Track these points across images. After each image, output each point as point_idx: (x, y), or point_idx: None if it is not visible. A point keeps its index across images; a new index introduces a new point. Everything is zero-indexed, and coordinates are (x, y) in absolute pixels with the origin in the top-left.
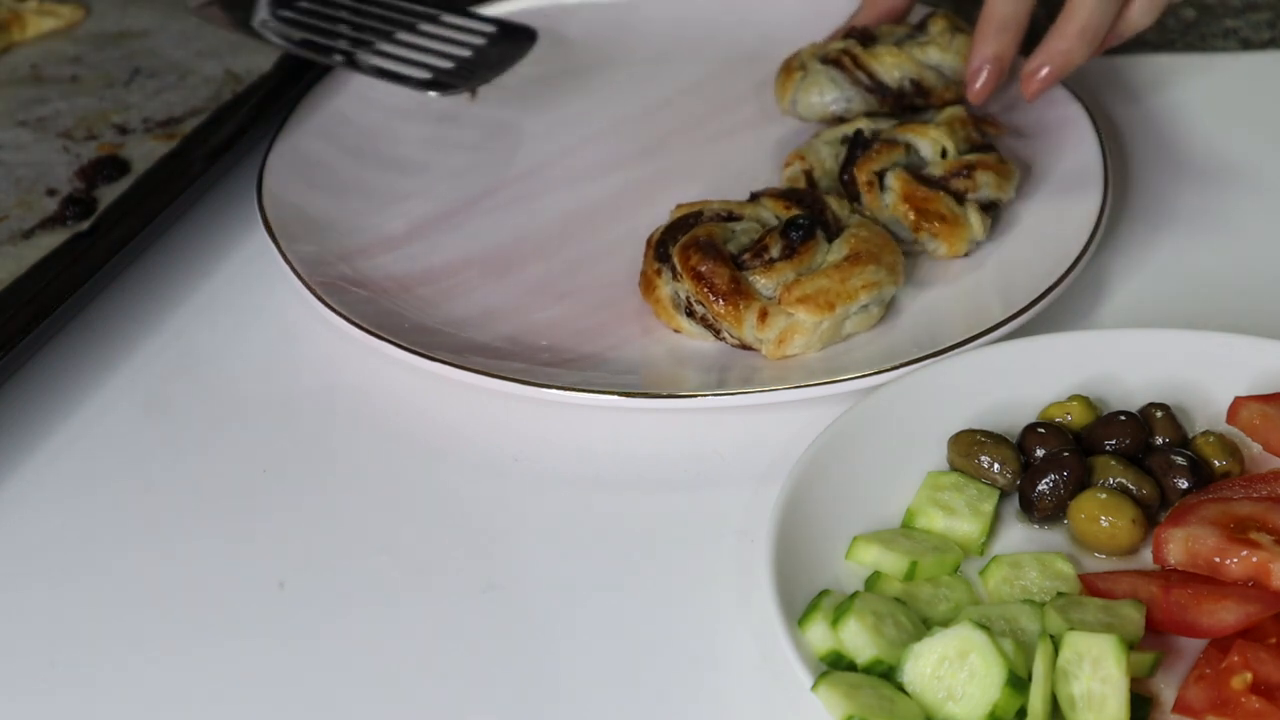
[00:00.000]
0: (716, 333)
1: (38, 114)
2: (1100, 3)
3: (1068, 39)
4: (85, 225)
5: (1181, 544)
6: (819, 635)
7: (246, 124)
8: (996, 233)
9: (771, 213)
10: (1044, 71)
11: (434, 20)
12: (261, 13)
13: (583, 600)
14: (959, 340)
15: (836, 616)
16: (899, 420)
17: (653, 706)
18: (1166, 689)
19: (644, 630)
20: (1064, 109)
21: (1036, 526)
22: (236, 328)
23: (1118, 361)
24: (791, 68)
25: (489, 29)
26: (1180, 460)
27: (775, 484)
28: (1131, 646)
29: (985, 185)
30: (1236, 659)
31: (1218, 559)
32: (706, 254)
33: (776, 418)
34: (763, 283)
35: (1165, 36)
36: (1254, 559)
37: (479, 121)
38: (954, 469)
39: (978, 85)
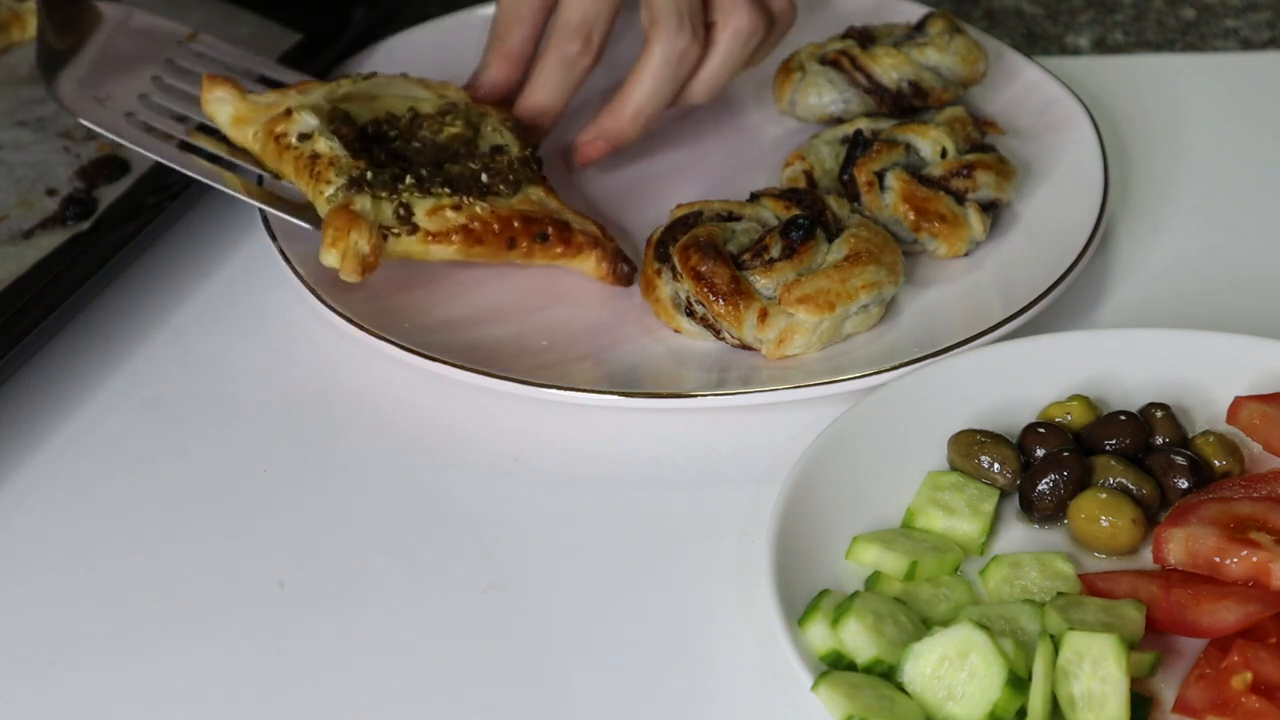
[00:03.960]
0: (716, 333)
1: (38, 114)
2: (654, 93)
3: (621, 121)
4: (85, 225)
5: (1181, 544)
6: (819, 635)
7: None
8: (996, 233)
9: (771, 213)
10: (598, 144)
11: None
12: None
13: (583, 600)
14: (959, 340)
15: (836, 616)
16: (899, 420)
17: (653, 706)
18: (1166, 689)
19: (644, 630)
20: (1064, 109)
21: (1036, 526)
22: (236, 328)
23: (1118, 361)
24: (790, 68)
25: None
26: (1180, 460)
27: (775, 484)
28: (1131, 646)
29: (985, 185)
30: (1236, 659)
31: (1218, 559)
32: (706, 254)
33: (776, 418)
34: (763, 283)
35: (1165, 36)
36: (1254, 559)
37: None
38: (954, 469)
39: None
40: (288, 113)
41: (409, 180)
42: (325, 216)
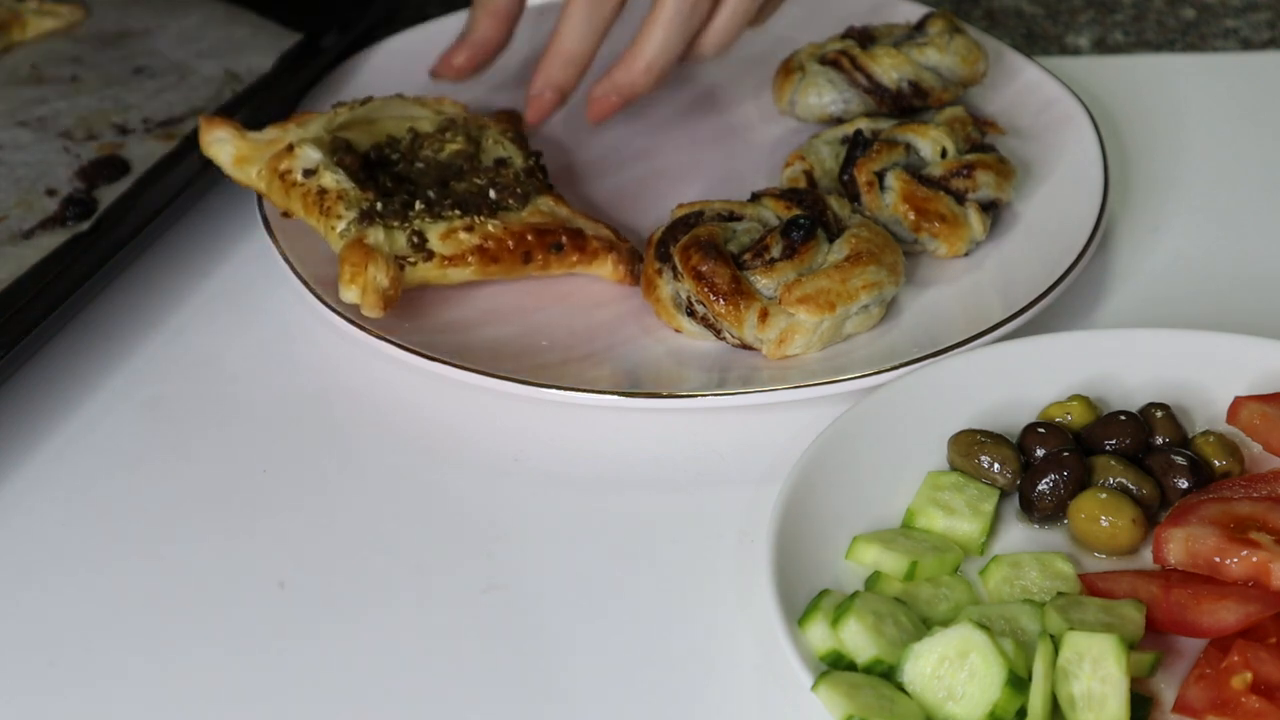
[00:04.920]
0: (717, 332)
1: (38, 114)
2: (666, 44)
3: (633, 74)
4: (85, 226)
5: (1181, 544)
6: (819, 635)
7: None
8: (996, 233)
9: (772, 213)
10: (611, 99)
11: None
12: None
13: (583, 600)
14: (959, 340)
15: (836, 616)
16: (899, 420)
17: (653, 706)
18: (1166, 689)
19: (644, 630)
20: (1064, 109)
21: (1036, 526)
22: (236, 328)
23: (1118, 361)
24: (790, 68)
25: None
26: (1180, 460)
27: (775, 484)
28: (1131, 646)
29: (985, 185)
30: (1236, 659)
31: (1218, 559)
32: (707, 254)
33: (776, 418)
34: (763, 283)
35: (1165, 36)
36: (1254, 559)
37: None
38: (954, 469)
39: (535, 109)
40: (289, 148)
41: (419, 206)
42: (340, 252)
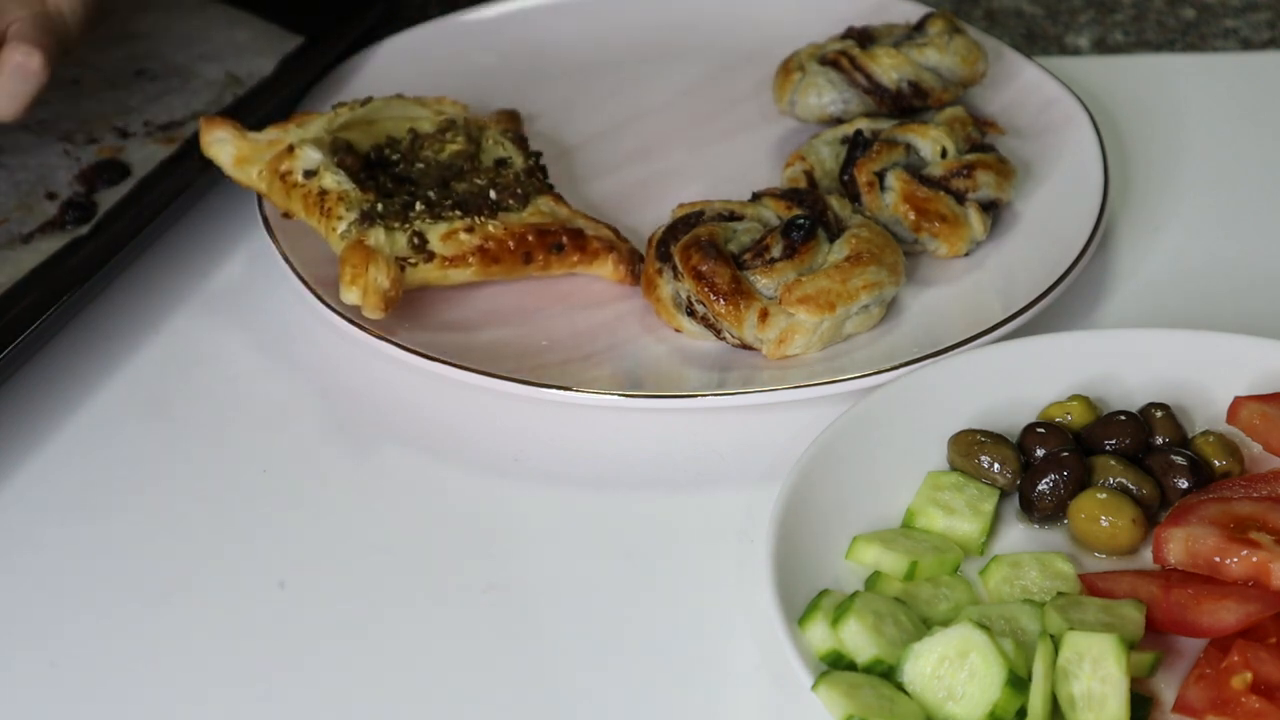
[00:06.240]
0: (717, 332)
1: (38, 116)
2: None
3: None
4: (85, 229)
5: (1181, 544)
6: (819, 635)
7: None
8: (996, 233)
9: (773, 212)
10: None
11: None
12: None
13: (583, 600)
14: (959, 340)
15: (836, 616)
16: (899, 420)
17: (652, 706)
18: (1166, 689)
19: (644, 630)
20: (1064, 109)
21: (1036, 526)
22: (236, 328)
23: (1118, 361)
24: (790, 68)
25: None
26: (1180, 460)
27: (775, 484)
28: (1131, 646)
29: (985, 185)
30: (1236, 659)
31: (1218, 559)
32: (707, 254)
33: (776, 418)
34: (763, 283)
35: (1165, 36)
36: (1254, 559)
37: None
38: (954, 469)
39: None
40: (290, 149)
41: (419, 206)
42: (341, 254)
